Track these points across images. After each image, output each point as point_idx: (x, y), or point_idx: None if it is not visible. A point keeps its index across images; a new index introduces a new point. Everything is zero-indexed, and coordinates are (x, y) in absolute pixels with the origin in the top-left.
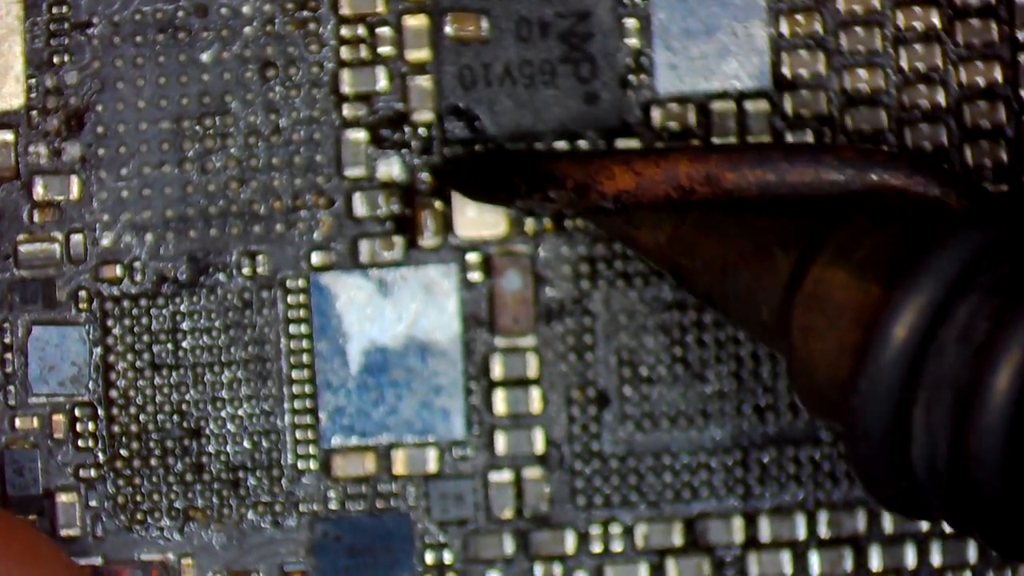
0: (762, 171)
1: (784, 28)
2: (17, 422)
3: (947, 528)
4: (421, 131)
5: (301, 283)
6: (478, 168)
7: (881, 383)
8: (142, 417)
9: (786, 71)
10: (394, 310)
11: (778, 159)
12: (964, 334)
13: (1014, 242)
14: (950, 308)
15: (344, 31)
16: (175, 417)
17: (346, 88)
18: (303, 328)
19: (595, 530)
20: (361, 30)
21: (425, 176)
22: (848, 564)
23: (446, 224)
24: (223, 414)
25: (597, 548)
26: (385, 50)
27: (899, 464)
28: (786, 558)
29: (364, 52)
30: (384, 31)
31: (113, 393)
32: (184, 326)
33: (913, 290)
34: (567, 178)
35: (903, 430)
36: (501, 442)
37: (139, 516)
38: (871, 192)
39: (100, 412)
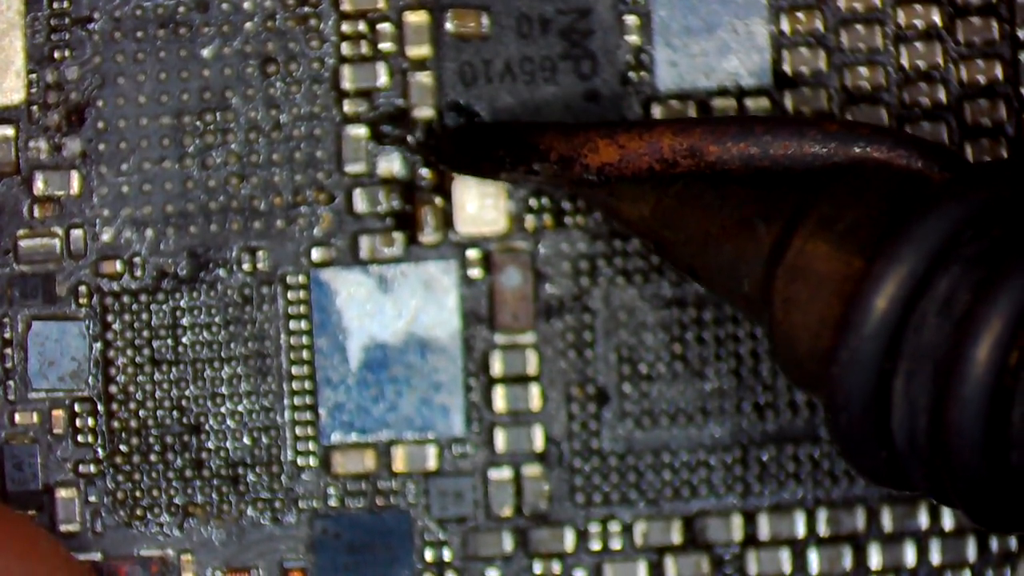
0: (745, 144)
1: (785, 25)
2: (17, 417)
3: (947, 525)
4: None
5: (301, 279)
6: (463, 141)
7: (862, 354)
8: (142, 413)
9: (787, 68)
10: (394, 306)
11: (761, 132)
12: (945, 306)
13: (995, 214)
14: (931, 280)
15: (345, 27)
16: (175, 413)
17: (347, 84)
18: (303, 324)
19: (594, 528)
20: (362, 26)
21: (424, 171)
22: (847, 562)
23: (446, 220)
24: (223, 410)
25: (596, 546)
26: (386, 46)
27: (879, 435)
28: (785, 556)
29: (365, 48)
30: (385, 27)
31: (113, 389)
32: (184, 322)
33: (894, 262)
34: (551, 151)
35: (883, 401)
36: (500, 439)
37: (138, 512)
38: (853, 164)
39: (100, 408)
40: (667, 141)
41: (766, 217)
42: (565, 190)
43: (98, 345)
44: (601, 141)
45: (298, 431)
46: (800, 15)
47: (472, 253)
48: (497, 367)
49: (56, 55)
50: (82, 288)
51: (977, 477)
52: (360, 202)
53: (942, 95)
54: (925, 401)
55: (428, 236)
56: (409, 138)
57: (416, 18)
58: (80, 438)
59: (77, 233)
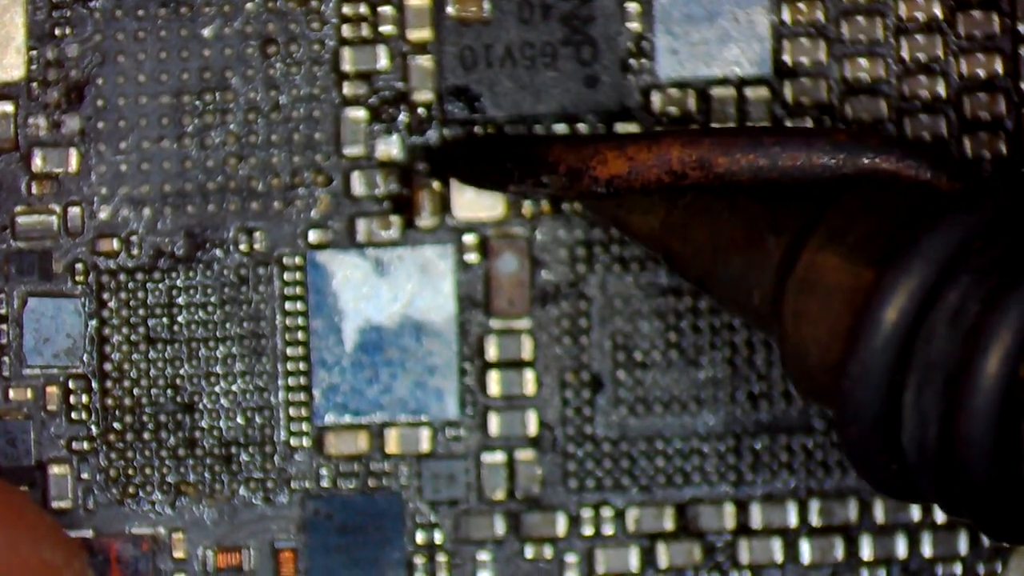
0: (754, 155)
1: (786, 15)
2: (11, 393)
3: (938, 518)
4: (420, 111)
5: (298, 260)
6: (471, 153)
7: (872, 367)
8: (136, 391)
9: (787, 58)
10: (390, 289)
11: (770, 143)
12: (954, 317)
13: (1004, 225)
14: (940, 291)
15: (346, 9)
16: (169, 391)
17: (347, 66)
18: (299, 305)
19: (586, 513)
20: (363, 8)
21: (421, 165)
22: (839, 553)
23: (444, 205)
24: (217, 389)
25: (588, 531)
26: (386, 29)
27: (890, 447)
28: (777, 545)
29: (365, 30)
30: (386, 10)
31: (107, 366)
32: (180, 301)
33: (904, 273)
34: (560, 163)
35: (894, 413)
36: (494, 423)
37: (131, 490)
38: (862, 176)
39: (94, 385)
40: (676, 153)
41: (775, 229)
42: (574, 201)
43: (93, 323)
44: (610, 153)
45: (292, 412)
46: (801, 5)
47: (469, 238)
48: (492, 352)
49: (57, 32)
50: (79, 266)
51: (988, 488)
52: (358, 185)
53: (942, 88)
54: (935, 413)
55: (425, 220)
56: (418, 147)
57: (417, 1)
58: (74, 415)
59: (75, 211)
